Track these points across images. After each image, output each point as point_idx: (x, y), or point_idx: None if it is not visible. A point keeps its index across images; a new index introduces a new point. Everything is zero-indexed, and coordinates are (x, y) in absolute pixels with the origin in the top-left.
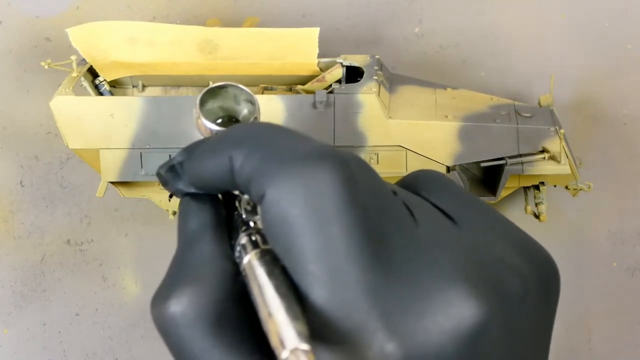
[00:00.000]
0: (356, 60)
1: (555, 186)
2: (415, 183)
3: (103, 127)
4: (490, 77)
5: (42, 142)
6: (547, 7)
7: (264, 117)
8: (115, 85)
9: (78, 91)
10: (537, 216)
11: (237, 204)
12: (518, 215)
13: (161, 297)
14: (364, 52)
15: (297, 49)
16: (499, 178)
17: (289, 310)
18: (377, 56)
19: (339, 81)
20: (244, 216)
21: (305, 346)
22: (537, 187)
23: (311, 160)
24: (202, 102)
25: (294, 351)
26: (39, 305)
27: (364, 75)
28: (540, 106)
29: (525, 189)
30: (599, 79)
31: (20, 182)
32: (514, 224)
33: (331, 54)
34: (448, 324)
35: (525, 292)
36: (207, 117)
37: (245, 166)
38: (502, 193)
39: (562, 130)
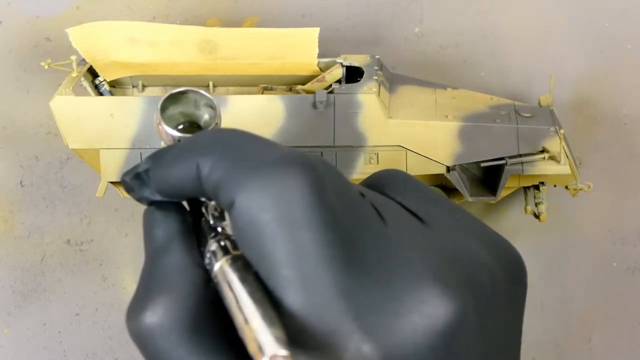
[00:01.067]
0: (356, 60)
1: (555, 186)
2: (381, 183)
3: (103, 127)
4: (490, 77)
5: (42, 142)
6: (547, 7)
7: (265, 118)
8: (115, 85)
9: (78, 91)
10: (537, 216)
11: (203, 210)
12: (518, 215)
13: (136, 309)
14: (364, 52)
15: (297, 49)
16: (499, 178)
17: (265, 316)
18: (377, 56)
19: (339, 81)
20: (211, 222)
21: (284, 352)
22: (537, 187)
23: (280, 166)
24: (163, 108)
25: (273, 357)
26: (39, 305)
27: (364, 75)
28: (540, 106)
29: (525, 189)
30: (599, 79)
31: (20, 182)
32: (480, 222)
33: (331, 54)
34: (423, 323)
35: (495, 288)
36: (168, 123)
37: (213, 173)
38: (502, 193)
39: (562, 130)
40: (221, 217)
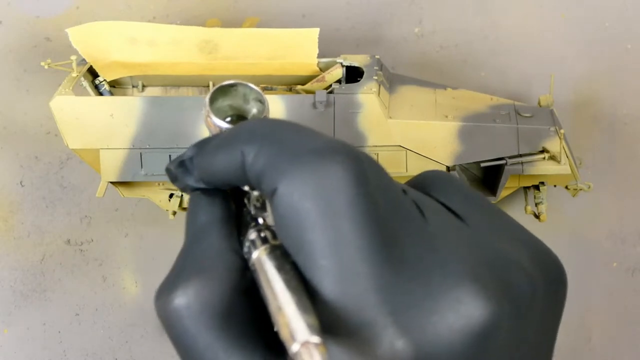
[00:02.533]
0: (356, 60)
1: (555, 186)
2: (425, 183)
3: (103, 127)
4: (490, 77)
5: (42, 142)
6: (547, 7)
7: None
8: (115, 85)
9: (78, 91)
10: (537, 216)
11: (245, 200)
12: (518, 215)
13: (166, 289)
14: (364, 52)
15: (297, 49)
16: (499, 178)
17: (299, 303)
18: (377, 56)
19: (339, 81)
20: (252, 212)
21: (316, 339)
22: (537, 187)
23: (323, 155)
24: (212, 100)
25: (304, 344)
26: (39, 305)
27: (364, 75)
28: (540, 106)
29: (525, 189)
30: (599, 79)
31: (20, 182)
32: (522, 227)
33: (331, 54)
34: (458, 322)
35: (533, 295)
36: (216, 115)
37: (257, 161)
38: (502, 193)
39: (562, 130)
40: (263, 208)
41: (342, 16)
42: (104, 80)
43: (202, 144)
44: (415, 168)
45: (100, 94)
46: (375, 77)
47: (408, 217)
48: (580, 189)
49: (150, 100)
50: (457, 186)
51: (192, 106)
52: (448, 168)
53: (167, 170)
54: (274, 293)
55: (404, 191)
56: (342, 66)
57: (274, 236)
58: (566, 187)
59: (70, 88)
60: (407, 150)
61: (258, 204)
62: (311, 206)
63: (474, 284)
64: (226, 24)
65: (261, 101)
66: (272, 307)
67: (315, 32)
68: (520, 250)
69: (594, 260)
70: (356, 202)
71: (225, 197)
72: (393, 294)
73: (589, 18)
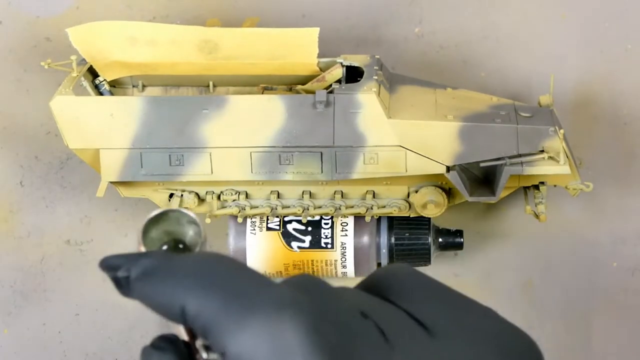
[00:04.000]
0: (356, 60)
1: (555, 186)
2: (384, 285)
3: (103, 127)
4: (490, 77)
5: (42, 142)
6: (547, 7)
7: (265, 118)
8: (115, 85)
9: (78, 91)
10: (537, 216)
11: (195, 345)
12: (518, 215)
13: None
14: (364, 52)
15: (297, 49)
16: (499, 178)
17: None
18: (377, 56)
19: (339, 81)
20: (204, 357)
21: None
22: (537, 187)
23: (272, 312)
24: (145, 232)
25: None
26: (39, 305)
27: (364, 75)
28: (540, 106)
29: (525, 189)
30: (599, 79)
31: (20, 182)
32: (493, 316)
33: (331, 54)
34: None
35: None
36: (151, 245)
37: (200, 316)
38: (502, 193)
39: (562, 130)
40: (212, 349)
41: (342, 16)
42: (104, 80)
43: (138, 269)
44: (415, 168)
45: (101, 93)
46: (375, 77)
47: (371, 348)
48: (580, 189)
49: (150, 100)
50: (417, 284)
51: (192, 106)
52: (448, 168)
53: (102, 265)
54: None
55: (364, 314)
56: (342, 66)
57: None
58: (566, 187)
59: (70, 88)
60: (407, 150)
61: (207, 343)
62: None
63: None
64: (226, 24)
65: (195, 223)
66: None
67: (315, 32)
68: (492, 354)
69: (594, 260)
70: (313, 357)
71: (177, 349)
72: None
73: (589, 18)
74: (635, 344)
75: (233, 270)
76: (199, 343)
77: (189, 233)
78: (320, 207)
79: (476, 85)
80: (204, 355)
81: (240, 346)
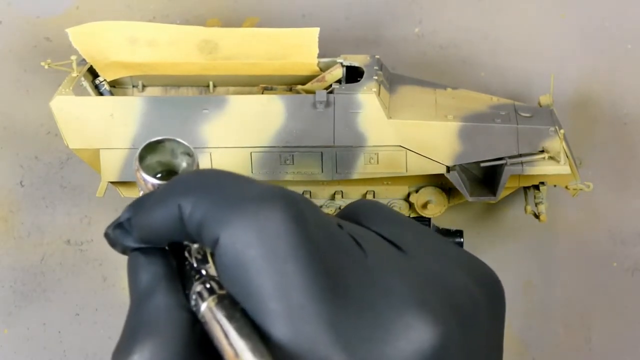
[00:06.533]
0: (356, 60)
1: (555, 186)
2: (356, 213)
3: (103, 127)
4: (490, 77)
5: (42, 142)
6: (547, 7)
7: (265, 118)
8: (115, 85)
9: (78, 91)
10: (537, 216)
11: (186, 254)
12: (518, 215)
13: (122, 353)
14: (364, 52)
15: (297, 49)
16: (499, 178)
17: (255, 349)
18: (377, 56)
19: (339, 81)
20: (195, 265)
21: None
22: (537, 187)
23: (262, 201)
24: (141, 158)
25: None
26: (39, 305)
27: (364, 75)
28: (540, 106)
29: (525, 189)
30: (599, 79)
31: (20, 182)
32: (457, 246)
33: (331, 54)
34: (410, 348)
35: (477, 312)
36: (146, 172)
37: (195, 213)
38: (502, 193)
39: (562, 130)
40: (204, 260)
41: (342, 16)
42: (104, 80)
43: (138, 204)
44: (415, 168)
45: (101, 94)
46: (375, 77)
47: (347, 252)
48: (580, 189)
49: (150, 100)
50: (388, 214)
51: (192, 106)
52: (448, 168)
53: (106, 235)
54: (228, 342)
55: (340, 226)
56: (342, 66)
57: (220, 286)
58: (566, 187)
59: (70, 88)
60: (407, 150)
61: (199, 256)
62: (255, 253)
63: (420, 308)
64: (226, 24)
65: (190, 154)
66: (229, 356)
67: (315, 32)
68: (458, 271)
69: (594, 260)
70: (298, 244)
71: (164, 253)
72: (344, 329)
73: (589, 18)
74: (636, 344)
75: (225, 174)
76: (193, 251)
77: (182, 164)
78: (320, 207)
79: (476, 85)
80: (195, 264)
81: (231, 233)
